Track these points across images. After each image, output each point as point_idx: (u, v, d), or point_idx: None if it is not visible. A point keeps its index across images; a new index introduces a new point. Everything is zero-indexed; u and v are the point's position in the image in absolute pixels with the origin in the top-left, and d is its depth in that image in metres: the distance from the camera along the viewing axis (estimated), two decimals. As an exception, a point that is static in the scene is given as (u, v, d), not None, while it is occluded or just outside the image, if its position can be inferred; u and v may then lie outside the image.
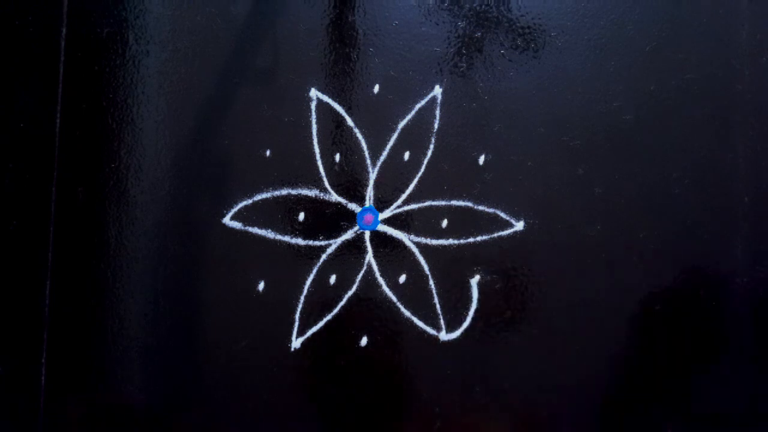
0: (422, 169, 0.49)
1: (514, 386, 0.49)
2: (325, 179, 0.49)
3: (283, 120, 0.49)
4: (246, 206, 0.49)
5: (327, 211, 0.49)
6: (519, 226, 0.49)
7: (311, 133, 0.49)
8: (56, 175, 0.50)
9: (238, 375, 0.49)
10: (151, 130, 0.50)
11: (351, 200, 0.49)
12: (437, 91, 0.49)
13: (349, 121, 0.49)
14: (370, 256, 0.49)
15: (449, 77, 0.49)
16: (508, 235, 0.49)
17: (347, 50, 0.49)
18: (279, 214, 0.49)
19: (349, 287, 0.49)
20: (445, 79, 0.49)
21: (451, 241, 0.49)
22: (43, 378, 0.50)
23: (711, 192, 0.49)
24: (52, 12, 0.50)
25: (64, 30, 0.50)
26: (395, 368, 0.49)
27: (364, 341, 0.49)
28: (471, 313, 0.49)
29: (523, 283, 0.49)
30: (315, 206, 0.49)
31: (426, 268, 0.49)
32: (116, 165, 0.50)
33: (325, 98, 0.49)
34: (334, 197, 0.49)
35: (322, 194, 0.49)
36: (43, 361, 0.50)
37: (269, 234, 0.49)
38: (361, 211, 0.49)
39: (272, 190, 0.49)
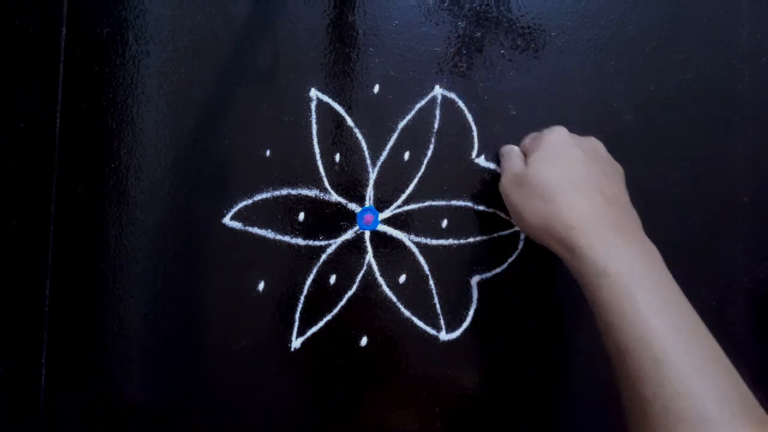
0: (422, 169, 0.49)
1: (515, 386, 0.49)
2: (325, 179, 0.49)
3: (283, 120, 0.49)
4: (246, 206, 0.49)
5: (327, 211, 0.49)
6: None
7: (311, 133, 0.49)
8: (56, 175, 0.50)
9: (238, 375, 0.49)
10: (151, 130, 0.50)
11: (351, 200, 0.49)
12: (437, 91, 0.49)
13: (349, 121, 0.49)
14: (370, 256, 0.49)
15: (449, 77, 0.49)
16: (508, 235, 0.49)
17: (347, 50, 0.49)
18: (279, 214, 0.49)
19: (349, 287, 0.49)
20: (445, 79, 0.49)
21: (451, 241, 0.49)
22: (43, 378, 0.50)
23: (711, 192, 0.49)
24: (52, 12, 0.50)
25: (64, 30, 0.50)
26: (395, 368, 0.49)
27: (364, 341, 0.49)
28: (471, 313, 0.49)
29: (523, 283, 0.49)
30: (315, 206, 0.49)
31: (426, 268, 0.49)
32: (116, 165, 0.50)
33: (325, 98, 0.49)
34: (334, 197, 0.49)
35: (322, 194, 0.49)
36: (43, 361, 0.50)
37: (269, 234, 0.49)
38: (361, 211, 0.49)
39: (272, 190, 0.49)
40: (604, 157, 0.42)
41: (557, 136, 0.42)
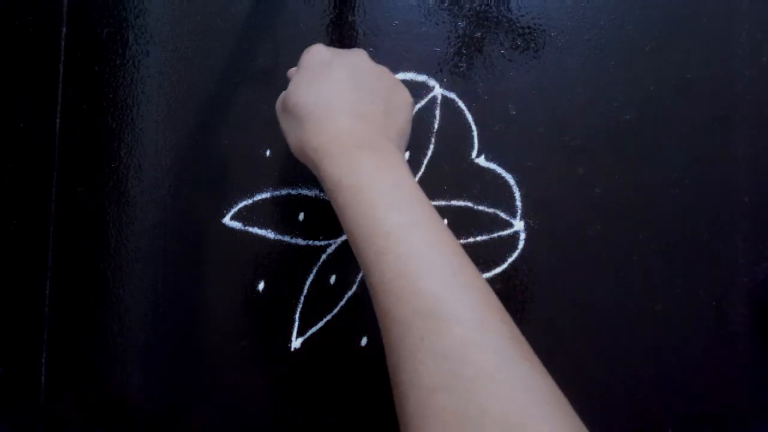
0: (422, 169, 0.49)
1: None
2: (325, 179, 0.49)
3: (283, 120, 0.49)
4: (246, 206, 0.49)
5: (327, 211, 0.49)
6: (519, 226, 0.49)
7: (311, 133, 0.49)
8: (56, 175, 0.50)
9: (238, 375, 0.49)
10: (151, 130, 0.50)
11: (351, 200, 0.49)
12: (437, 91, 0.49)
13: (349, 121, 0.49)
14: (370, 256, 0.49)
15: (449, 77, 0.49)
16: (508, 235, 0.49)
17: (347, 50, 0.49)
18: (279, 214, 0.49)
19: (349, 287, 0.49)
20: (445, 79, 0.49)
21: (451, 241, 0.49)
22: (43, 378, 0.50)
23: (711, 192, 0.49)
24: (52, 12, 0.50)
25: (64, 30, 0.50)
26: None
27: (364, 341, 0.49)
28: (471, 313, 0.49)
29: (523, 283, 0.49)
30: (315, 206, 0.49)
31: (426, 268, 0.49)
32: (116, 165, 0.50)
33: (325, 98, 0.49)
34: (334, 197, 0.49)
35: (322, 194, 0.49)
36: (43, 361, 0.50)
37: (269, 234, 0.49)
38: (361, 211, 0.49)
39: (272, 190, 0.49)
40: (367, 71, 0.40)
41: (312, 56, 0.41)
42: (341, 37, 0.49)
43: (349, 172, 0.35)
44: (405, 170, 0.36)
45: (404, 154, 0.40)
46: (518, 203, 0.49)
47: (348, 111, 0.38)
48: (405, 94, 0.41)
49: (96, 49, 0.50)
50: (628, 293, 0.49)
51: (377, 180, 0.35)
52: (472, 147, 0.49)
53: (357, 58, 0.41)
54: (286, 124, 0.40)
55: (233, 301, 0.49)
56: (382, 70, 0.41)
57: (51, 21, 0.50)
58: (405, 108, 0.41)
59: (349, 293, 0.49)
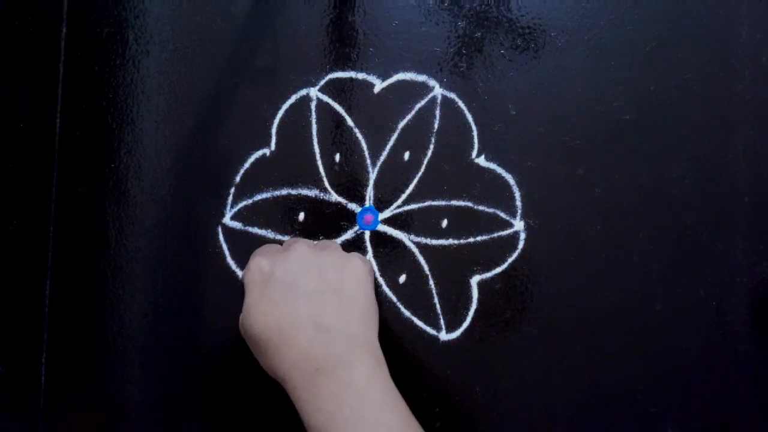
0: (422, 169, 0.49)
1: (514, 386, 0.49)
2: (325, 179, 0.49)
3: (283, 120, 0.49)
4: (246, 206, 0.49)
5: (327, 211, 0.49)
6: (519, 226, 0.49)
7: (311, 133, 0.49)
8: (56, 175, 0.50)
9: (238, 375, 0.49)
10: (151, 130, 0.50)
11: (351, 200, 0.49)
12: (437, 91, 0.49)
13: (349, 121, 0.49)
14: (370, 256, 0.49)
15: (449, 77, 0.49)
16: (508, 235, 0.49)
17: (347, 50, 0.49)
18: (279, 214, 0.49)
19: (349, 287, 0.49)
20: (445, 79, 0.49)
21: (451, 241, 0.49)
22: (43, 378, 0.50)
23: (711, 192, 0.49)
24: (52, 12, 0.50)
25: (64, 30, 0.50)
26: (395, 368, 0.49)
27: (364, 341, 0.49)
28: (471, 313, 0.49)
29: (523, 283, 0.49)
30: (315, 206, 0.49)
31: (426, 268, 0.49)
32: (116, 165, 0.50)
33: (325, 98, 0.49)
34: (334, 197, 0.49)
35: (322, 194, 0.49)
36: (43, 361, 0.50)
37: (269, 234, 0.49)
38: (361, 211, 0.49)
39: (272, 190, 0.49)
40: (309, 268, 0.40)
41: (252, 273, 0.40)
42: (341, 36, 0.49)
43: (315, 407, 0.36)
44: (367, 381, 0.37)
45: (371, 336, 0.40)
46: (518, 203, 0.49)
47: (303, 325, 0.37)
48: (356, 268, 0.41)
49: (96, 49, 0.50)
50: (628, 293, 0.49)
51: (339, 412, 0.36)
52: (472, 147, 0.49)
53: (296, 256, 0.40)
54: (252, 349, 0.40)
55: (233, 302, 0.49)
56: (323, 257, 0.41)
57: (51, 21, 0.50)
58: (361, 283, 0.40)
59: (349, 293, 0.49)
